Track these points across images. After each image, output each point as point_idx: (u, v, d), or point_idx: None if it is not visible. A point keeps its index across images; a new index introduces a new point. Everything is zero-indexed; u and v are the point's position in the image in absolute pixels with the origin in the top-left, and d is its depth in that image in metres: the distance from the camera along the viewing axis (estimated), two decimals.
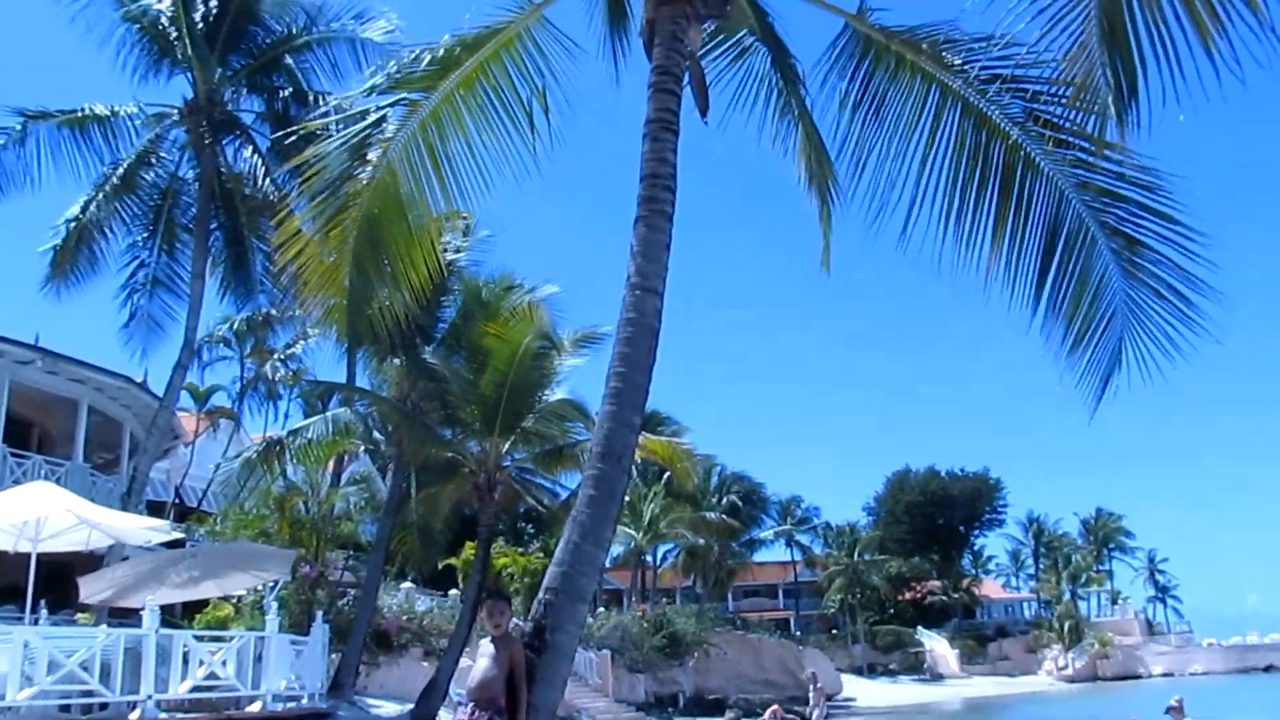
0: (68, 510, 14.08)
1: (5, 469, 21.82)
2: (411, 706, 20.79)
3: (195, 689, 14.18)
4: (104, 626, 15.78)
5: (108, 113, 21.95)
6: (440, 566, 31.08)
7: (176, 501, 35.03)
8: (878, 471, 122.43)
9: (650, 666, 39.20)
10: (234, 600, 22.78)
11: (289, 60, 22.92)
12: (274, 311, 31.19)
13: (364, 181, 8.05)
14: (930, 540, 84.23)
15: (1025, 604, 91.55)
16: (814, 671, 33.98)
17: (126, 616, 17.32)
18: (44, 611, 17.10)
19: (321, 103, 21.69)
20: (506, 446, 20.61)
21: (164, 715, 13.63)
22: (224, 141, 22.84)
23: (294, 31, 22.73)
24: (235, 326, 38.26)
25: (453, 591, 34.41)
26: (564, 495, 22.18)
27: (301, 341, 37.61)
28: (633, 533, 50.71)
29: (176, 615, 21.09)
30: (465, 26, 8.30)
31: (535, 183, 8.62)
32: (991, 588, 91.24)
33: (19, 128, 21.16)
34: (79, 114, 21.69)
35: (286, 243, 8.35)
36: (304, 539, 23.62)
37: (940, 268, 7.90)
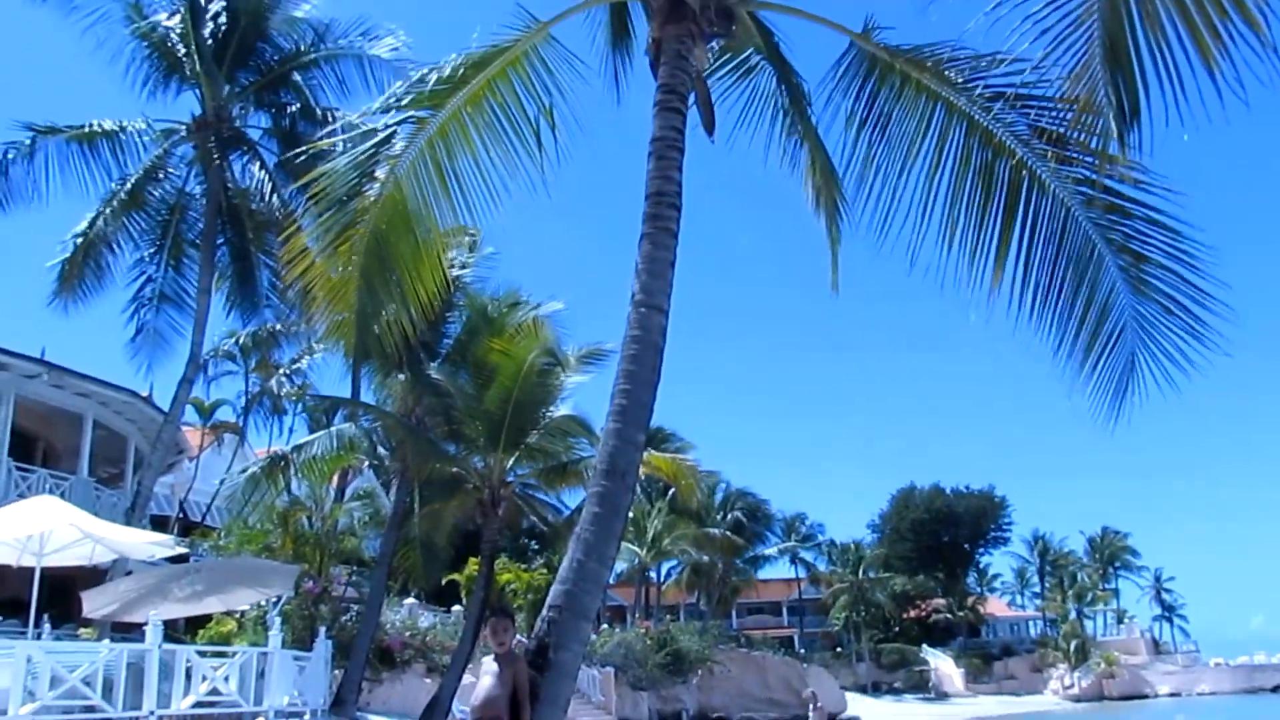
0: (71, 524, 14.08)
1: (10, 483, 21.84)
2: None
3: (198, 704, 14.11)
4: (107, 641, 15.76)
5: (116, 128, 22.10)
6: (443, 582, 31.00)
7: (180, 516, 34.98)
8: (883, 488, 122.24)
9: (654, 684, 38.97)
10: (237, 615, 22.72)
11: (297, 77, 23.09)
12: (279, 326, 31.24)
13: (372, 198, 8.09)
14: (935, 558, 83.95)
15: (1031, 622, 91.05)
16: (814, 690, 33.78)
17: (129, 631, 17.31)
18: (47, 626, 17.05)
19: (329, 119, 21.85)
20: (510, 462, 20.60)
21: None
22: (231, 157, 22.99)
23: (302, 49, 22.91)
24: (241, 341, 38.24)
25: (456, 608, 34.28)
26: (567, 512, 22.15)
27: (307, 356, 37.63)
28: (637, 549, 50.57)
29: (179, 630, 21.05)
30: (473, 45, 8.35)
31: (541, 199, 8.66)
32: (997, 606, 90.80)
33: (28, 142, 21.32)
34: (87, 129, 21.84)
35: (294, 259, 8.40)
36: (307, 554, 23.56)
37: (947, 284, 7.93)
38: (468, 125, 8.37)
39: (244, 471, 22.19)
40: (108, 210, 22.17)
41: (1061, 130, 7.50)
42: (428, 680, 25.41)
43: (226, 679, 14.53)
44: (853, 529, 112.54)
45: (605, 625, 44.63)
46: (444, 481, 21.58)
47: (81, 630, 18.91)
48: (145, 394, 25.16)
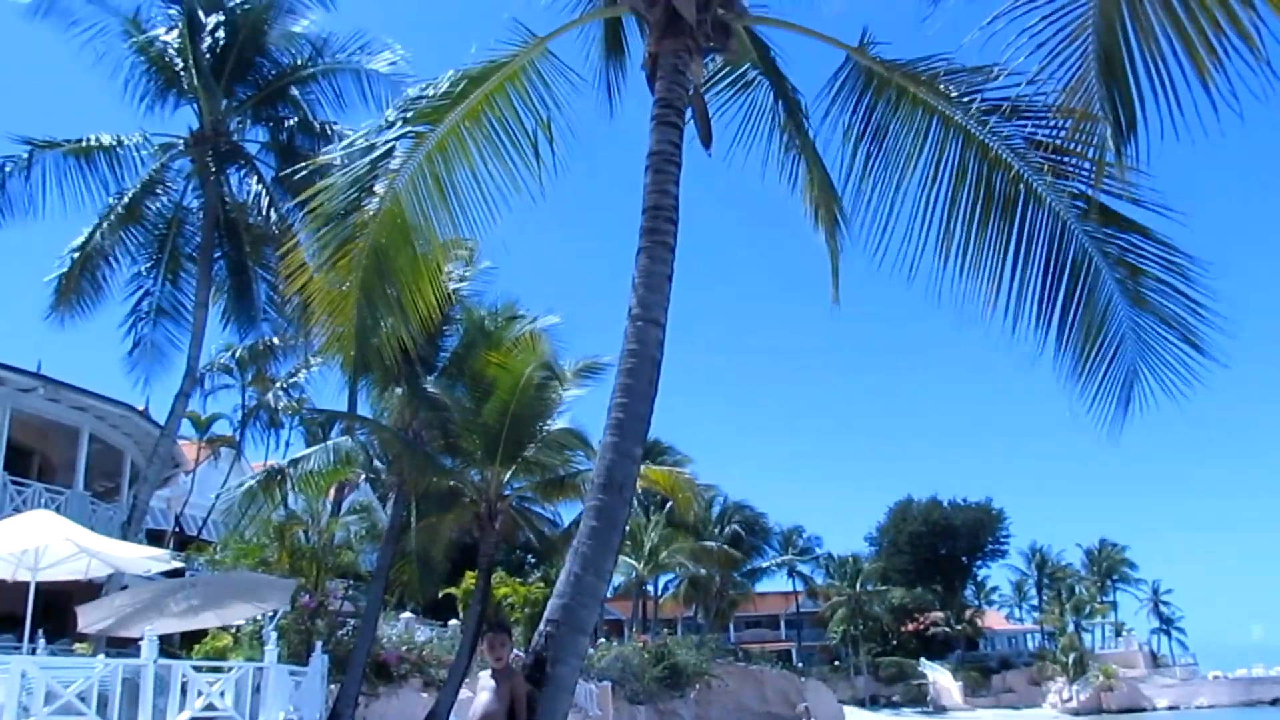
0: (67, 539, 14.04)
1: (5, 497, 21.77)
2: None
3: None
4: (102, 656, 15.66)
5: (114, 142, 22.08)
6: (440, 596, 30.91)
7: (176, 530, 34.88)
8: (880, 501, 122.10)
9: (651, 698, 38.84)
10: (233, 630, 22.63)
11: (294, 91, 23.12)
12: (276, 340, 31.21)
13: (371, 212, 8.10)
14: (933, 571, 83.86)
15: (1029, 635, 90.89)
16: (807, 705, 33.79)
17: (125, 646, 17.21)
18: (42, 641, 16.97)
19: (327, 133, 21.90)
20: (508, 476, 20.58)
21: None
22: (229, 171, 23.00)
23: (300, 63, 22.95)
24: (237, 355, 38.19)
25: (453, 622, 34.16)
26: (564, 525, 22.11)
27: (303, 370, 37.56)
28: (634, 563, 50.51)
29: (175, 645, 20.94)
30: (470, 60, 8.38)
31: (539, 213, 8.70)
32: (995, 619, 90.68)
33: (25, 156, 21.30)
34: (85, 143, 21.83)
35: (293, 273, 8.40)
36: (304, 568, 23.51)
37: (944, 297, 7.94)
38: (466, 139, 8.39)
39: (240, 485, 22.13)
40: (105, 224, 22.16)
41: (1058, 143, 7.53)
42: (424, 695, 25.30)
43: (222, 694, 14.43)
44: (850, 542, 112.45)
45: (602, 639, 44.49)
46: (441, 495, 21.55)
47: (77, 645, 18.84)
48: (142, 408, 25.11)
